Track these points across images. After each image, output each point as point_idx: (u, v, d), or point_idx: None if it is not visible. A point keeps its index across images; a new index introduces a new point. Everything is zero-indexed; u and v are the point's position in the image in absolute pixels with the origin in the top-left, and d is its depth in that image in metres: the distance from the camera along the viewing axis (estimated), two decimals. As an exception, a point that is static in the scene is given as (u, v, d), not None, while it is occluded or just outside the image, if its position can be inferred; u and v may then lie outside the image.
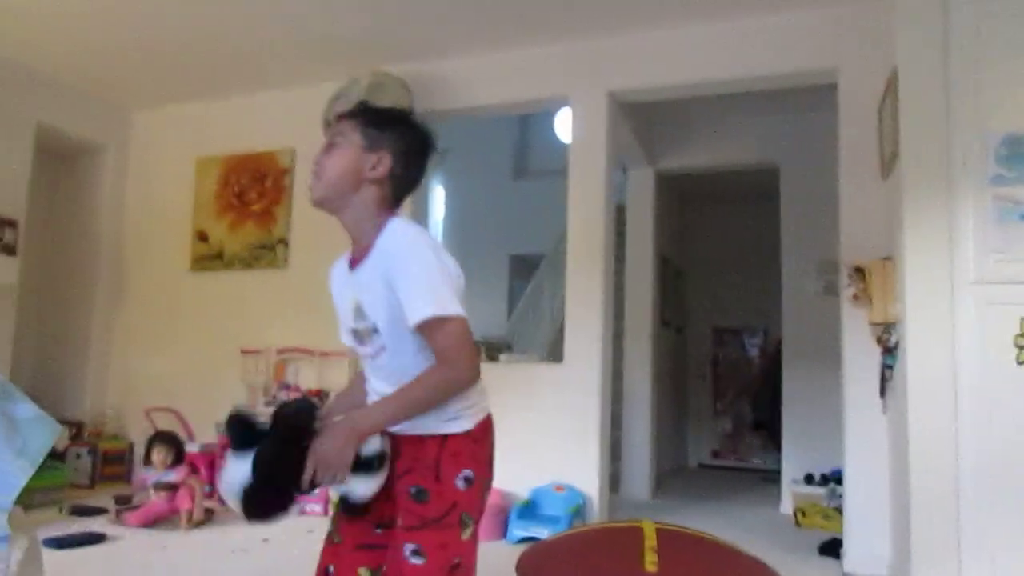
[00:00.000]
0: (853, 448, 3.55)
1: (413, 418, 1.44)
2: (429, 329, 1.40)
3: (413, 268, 1.41)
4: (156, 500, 4.04)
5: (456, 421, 1.46)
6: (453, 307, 1.41)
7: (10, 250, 4.53)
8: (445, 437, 1.46)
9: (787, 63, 3.94)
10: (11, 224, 4.58)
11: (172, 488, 4.05)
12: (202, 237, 5.24)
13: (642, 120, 5.35)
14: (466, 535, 1.45)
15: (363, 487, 1.41)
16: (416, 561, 1.40)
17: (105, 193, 5.44)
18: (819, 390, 4.97)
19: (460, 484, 1.44)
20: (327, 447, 1.37)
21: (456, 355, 1.41)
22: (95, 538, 3.59)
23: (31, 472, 0.99)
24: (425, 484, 1.44)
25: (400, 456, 1.47)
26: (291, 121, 5.04)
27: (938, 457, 2.86)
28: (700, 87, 4.23)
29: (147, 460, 4.20)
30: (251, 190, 5.12)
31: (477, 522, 1.48)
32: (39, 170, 4.97)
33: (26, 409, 1.02)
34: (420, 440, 1.46)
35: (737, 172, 5.98)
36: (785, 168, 5.44)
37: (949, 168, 2.97)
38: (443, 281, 1.42)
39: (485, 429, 1.52)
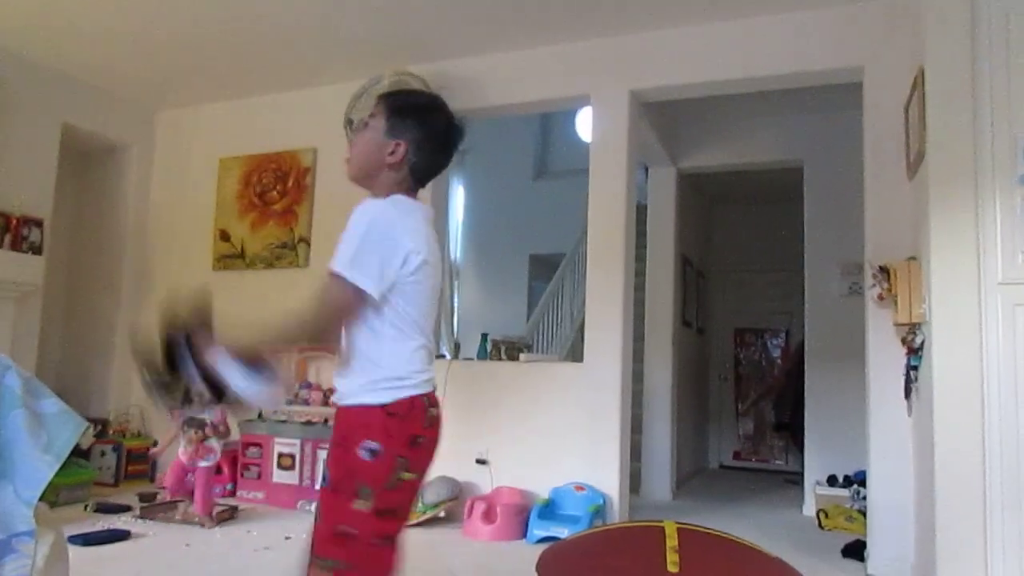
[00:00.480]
0: (877, 450, 3.51)
1: (269, 341, 1.55)
2: (327, 279, 1.48)
3: (348, 232, 1.51)
4: (180, 455, 3.97)
5: (371, 393, 1.52)
6: (355, 274, 1.46)
7: (36, 249, 4.60)
8: (358, 407, 1.52)
9: (811, 61, 3.90)
10: (37, 224, 4.65)
11: (202, 427, 3.97)
12: (224, 236, 5.29)
13: (664, 119, 5.32)
14: (359, 505, 1.46)
15: (243, 384, 1.49)
16: (315, 518, 1.53)
17: (129, 193, 5.52)
18: (842, 391, 4.93)
19: (362, 454, 1.47)
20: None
21: (318, 308, 1.49)
22: (120, 535, 3.63)
23: (57, 467, 1.01)
24: (333, 448, 1.53)
25: (335, 425, 1.58)
26: (313, 121, 5.08)
27: (964, 459, 2.81)
28: (723, 85, 4.20)
29: (187, 398, 4.06)
30: (272, 189, 5.16)
31: (383, 497, 1.48)
32: (65, 170, 5.05)
33: (51, 404, 1.03)
34: (343, 409, 1.56)
35: (760, 171, 5.93)
36: (809, 167, 5.39)
37: (977, 167, 2.92)
38: (368, 251, 1.48)
39: (411, 408, 1.53)
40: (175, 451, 4.10)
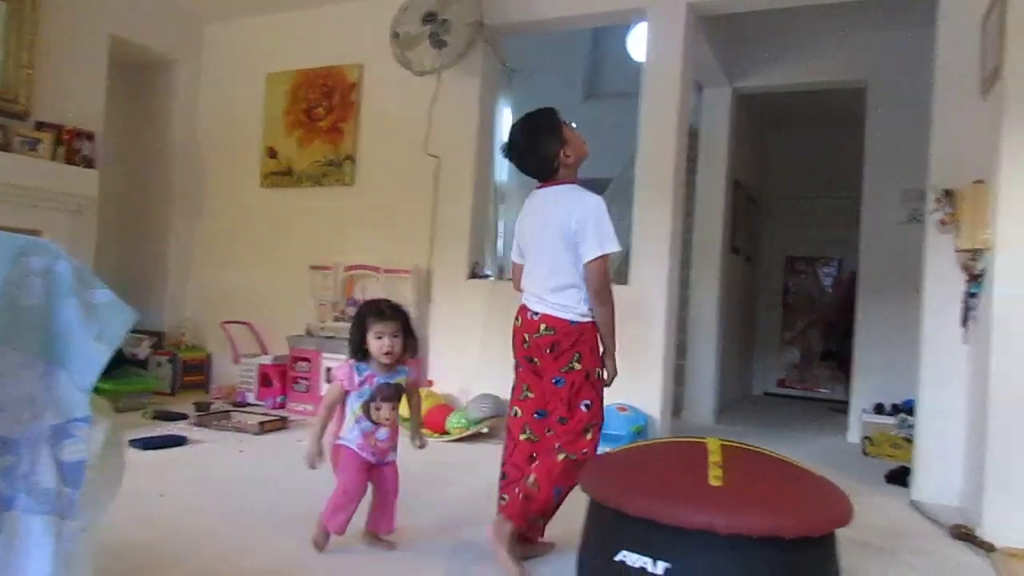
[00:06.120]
0: (929, 377, 3.43)
1: None
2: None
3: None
4: (358, 444, 2.34)
5: None
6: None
7: (89, 163, 4.64)
8: None
9: (883, -32, 3.64)
10: (89, 137, 4.66)
11: (397, 397, 2.41)
12: (272, 153, 5.30)
13: (721, 35, 5.09)
14: None
15: None
16: None
17: (179, 108, 5.53)
18: (894, 320, 4.82)
19: None
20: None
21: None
22: (177, 440, 3.78)
23: (110, 355, 1.03)
24: None
25: None
26: (360, 35, 4.99)
27: (1021, 387, 2.75)
28: (787, -3, 3.97)
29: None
30: (319, 106, 5.12)
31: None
32: (115, 84, 5.03)
33: (103, 294, 1.05)
34: None
35: (820, 92, 5.67)
36: (873, 87, 5.12)
37: (1057, 83, 2.75)
38: None
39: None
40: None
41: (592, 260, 2.23)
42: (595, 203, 2.29)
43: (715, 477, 1.66)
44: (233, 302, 5.35)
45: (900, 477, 3.68)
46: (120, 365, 4.67)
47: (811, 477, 1.81)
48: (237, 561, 2.27)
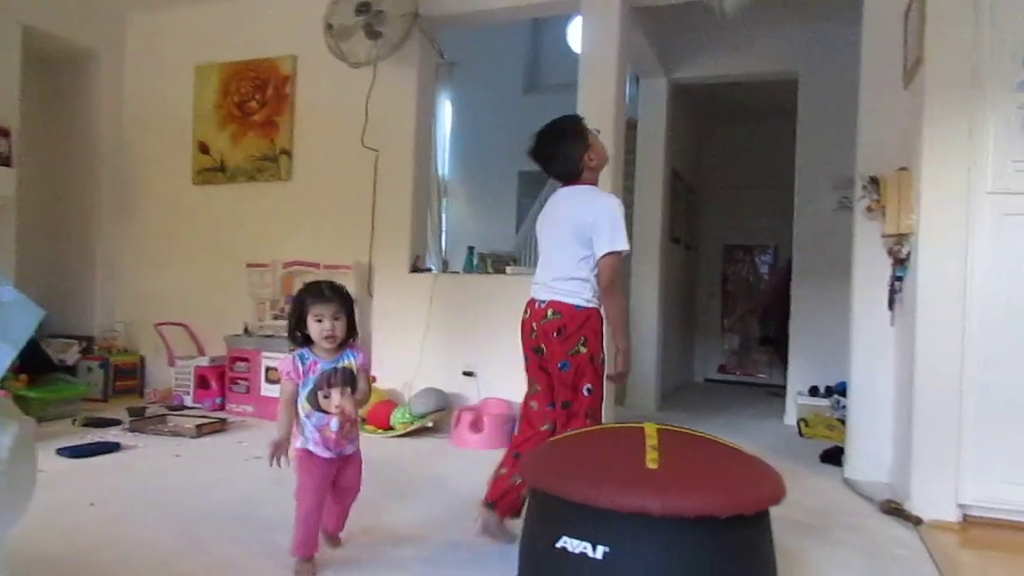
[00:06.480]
0: (859, 359, 3.54)
1: None
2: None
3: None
4: (316, 439, 2.18)
5: None
6: None
7: (4, 160, 4.40)
8: None
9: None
10: (4, 133, 4.43)
11: (351, 383, 2.22)
12: (203, 149, 5.15)
13: (657, 26, 5.14)
14: None
15: None
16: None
17: (102, 102, 5.30)
18: (827, 305, 4.96)
19: None
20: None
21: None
22: (110, 447, 3.66)
23: (14, 355, 0.98)
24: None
25: None
26: (292, 26, 4.89)
27: (944, 368, 2.86)
28: (717, -11, 4.04)
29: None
30: (252, 99, 5.00)
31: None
32: (31, 77, 4.79)
33: (7, 292, 0.99)
34: None
35: (755, 83, 5.78)
36: (804, 79, 5.26)
37: (974, 74, 2.88)
38: None
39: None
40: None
41: (604, 256, 2.33)
42: (612, 203, 2.39)
43: (652, 460, 1.68)
44: (167, 303, 5.20)
45: (834, 457, 3.80)
46: (47, 371, 4.49)
47: (745, 457, 1.84)
48: (173, 567, 2.21)
